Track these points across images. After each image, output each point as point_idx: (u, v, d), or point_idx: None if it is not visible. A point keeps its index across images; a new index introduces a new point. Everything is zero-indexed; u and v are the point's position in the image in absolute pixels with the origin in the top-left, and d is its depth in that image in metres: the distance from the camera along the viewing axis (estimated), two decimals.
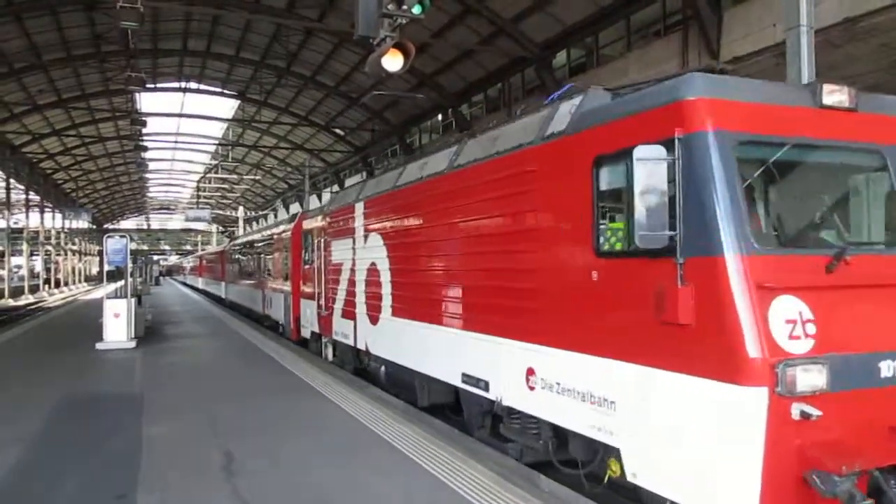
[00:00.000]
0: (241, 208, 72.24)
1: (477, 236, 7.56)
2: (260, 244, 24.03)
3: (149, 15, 22.28)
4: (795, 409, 4.25)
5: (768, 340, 4.27)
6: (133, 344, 15.81)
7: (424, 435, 7.65)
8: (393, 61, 8.97)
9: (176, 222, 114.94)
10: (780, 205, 5.29)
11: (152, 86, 39.83)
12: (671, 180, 4.63)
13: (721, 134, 4.63)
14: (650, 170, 4.57)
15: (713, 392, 4.39)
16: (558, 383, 6.01)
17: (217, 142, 57.34)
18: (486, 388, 7.31)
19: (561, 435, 6.32)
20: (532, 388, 6.42)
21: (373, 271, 10.85)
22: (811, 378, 4.28)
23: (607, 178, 5.47)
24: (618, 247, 5.40)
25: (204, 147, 61.18)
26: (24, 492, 6.06)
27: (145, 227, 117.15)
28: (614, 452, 5.39)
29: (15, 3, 26.53)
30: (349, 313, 12.12)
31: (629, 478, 5.18)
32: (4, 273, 50.19)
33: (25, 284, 52.89)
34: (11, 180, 49.86)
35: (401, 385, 10.18)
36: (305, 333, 16.05)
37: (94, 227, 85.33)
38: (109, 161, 61.95)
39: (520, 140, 6.82)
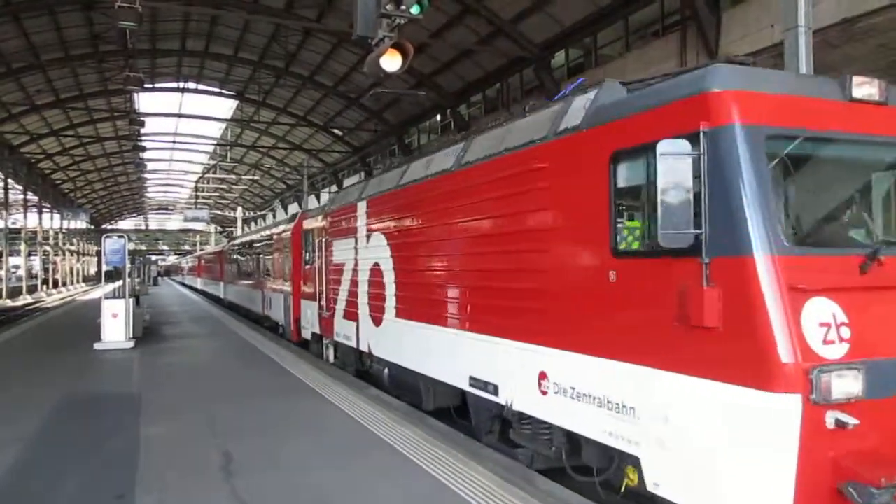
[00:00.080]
0: (239, 208, 72.22)
1: (486, 235, 7.32)
2: (259, 244, 23.82)
3: (147, 15, 22.06)
4: (830, 418, 4.04)
5: (801, 345, 4.05)
6: (131, 344, 15.70)
7: (425, 437, 7.55)
8: (391, 61, 8.98)
9: (174, 222, 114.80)
10: (809, 201, 5.06)
11: (150, 86, 39.72)
12: (696, 176, 4.40)
13: (749, 127, 4.41)
14: (674, 165, 4.35)
15: (742, 399, 4.16)
16: (573, 387, 5.78)
17: (215, 142, 57.21)
18: (496, 391, 7.08)
19: (574, 441, 6.10)
20: (544, 393, 6.19)
21: (376, 271, 10.62)
22: (846, 385, 4.06)
23: (625, 175, 5.25)
24: (637, 246, 5.19)
25: (202, 147, 61.13)
26: (23, 491, 6.05)
27: (143, 227, 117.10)
28: (632, 461, 5.17)
29: (13, 3, 26.34)
30: (351, 314, 11.90)
31: (650, 488, 4.95)
32: (2, 273, 49.83)
33: (23, 285, 52.65)
34: (9, 180, 49.60)
35: (404, 388, 9.96)
36: (306, 334, 15.83)
37: (93, 227, 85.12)
38: (108, 161, 61.83)
39: (532, 136, 6.58)
